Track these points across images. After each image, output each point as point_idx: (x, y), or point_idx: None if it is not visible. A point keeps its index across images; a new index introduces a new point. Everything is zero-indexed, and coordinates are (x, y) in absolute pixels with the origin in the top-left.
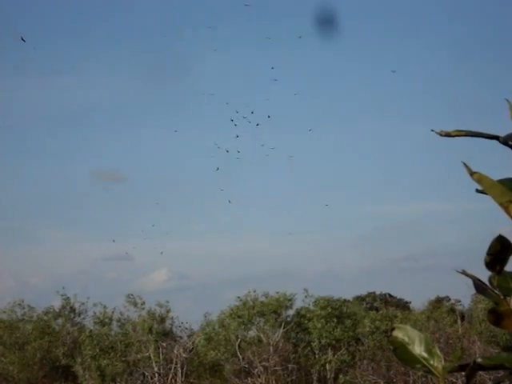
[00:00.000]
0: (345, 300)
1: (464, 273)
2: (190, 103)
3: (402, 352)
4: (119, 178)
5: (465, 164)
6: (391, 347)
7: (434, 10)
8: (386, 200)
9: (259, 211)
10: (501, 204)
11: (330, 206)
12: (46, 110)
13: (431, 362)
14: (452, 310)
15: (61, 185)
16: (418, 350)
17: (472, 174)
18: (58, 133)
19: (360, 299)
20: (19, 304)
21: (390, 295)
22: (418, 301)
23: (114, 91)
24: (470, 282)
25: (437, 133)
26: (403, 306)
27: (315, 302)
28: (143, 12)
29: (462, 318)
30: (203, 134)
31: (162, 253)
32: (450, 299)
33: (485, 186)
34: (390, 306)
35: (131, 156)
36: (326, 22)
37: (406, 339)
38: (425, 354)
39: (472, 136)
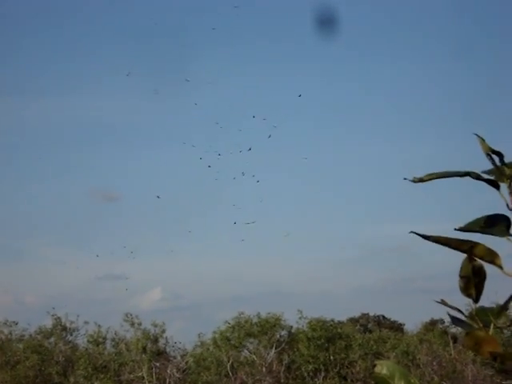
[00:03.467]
0: (339, 321)
1: (443, 303)
2: (185, 120)
3: None
4: (114, 197)
5: (417, 233)
6: (373, 382)
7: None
8: (381, 221)
9: (254, 231)
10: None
11: (326, 227)
12: (44, 130)
13: None
14: (445, 333)
15: (56, 204)
16: (399, 383)
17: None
18: (52, 152)
19: (354, 321)
20: (5, 323)
21: (384, 317)
22: (412, 323)
23: (110, 111)
24: (461, 305)
25: (410, 180)
26: (397, 328)
27: (309, 323)
28: (144, 33)
29: (455, 340)
30: (195, 149)
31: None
32: (444, 322)
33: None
34: (384, 327)
35: (125, 175)
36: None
37: (388, 374)
38: None
39: (443, 177)
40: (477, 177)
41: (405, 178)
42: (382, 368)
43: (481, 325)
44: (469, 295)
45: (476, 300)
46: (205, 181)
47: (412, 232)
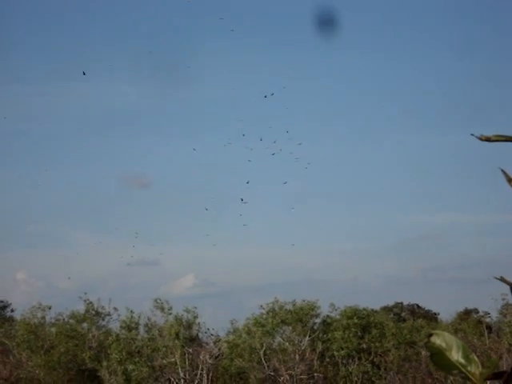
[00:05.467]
0: (372, 310)
1: (502, 279)
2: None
3: (439, 358)
4: (146, 183)
5: (503, 171)
6: (428, 353)
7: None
8: (415, 210)
9: (287, 220)
10: None
11: (358, 216)
12: (77, 116)
13: (469, 369)
14: (480, 322)
15: (90, 190)
16: (456, 356)
17: (510, 180)
18: (86, 139)
19: (387, 310)
20: (38, 307)
21: (418, 306)
22: (447, 312)
23: (140, 98)
24: (497, 294)
25: (476, 137)
26: (431, 317)
27: (342, 311)
28: (165, 27)
29: (490, 330)
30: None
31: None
32: (478, 311)
33: None
34: (418, 317)
35: (158, 162)
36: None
37: (444, 345)
38: (462, 361)
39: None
40: None
41: (472, 134)
42: (438, 338)
43: None
44: None
45: None
46: (237, 166)
47: (501, 169)
